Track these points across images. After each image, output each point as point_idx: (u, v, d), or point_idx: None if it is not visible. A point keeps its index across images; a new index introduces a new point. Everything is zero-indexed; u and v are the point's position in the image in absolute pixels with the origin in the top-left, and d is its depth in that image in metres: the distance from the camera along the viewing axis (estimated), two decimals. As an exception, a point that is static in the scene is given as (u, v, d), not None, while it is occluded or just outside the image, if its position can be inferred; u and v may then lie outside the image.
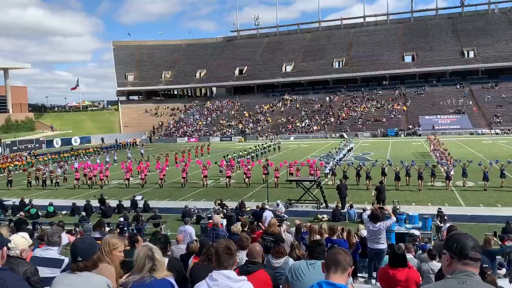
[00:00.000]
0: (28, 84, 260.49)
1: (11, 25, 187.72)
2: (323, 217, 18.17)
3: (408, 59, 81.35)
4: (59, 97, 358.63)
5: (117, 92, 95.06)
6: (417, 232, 13.87)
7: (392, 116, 66.84)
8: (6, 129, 69.49)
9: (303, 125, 69.13)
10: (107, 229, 11.20)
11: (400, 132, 61.39)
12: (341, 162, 31.43)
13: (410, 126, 62.97)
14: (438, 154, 32.11)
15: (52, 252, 4.18)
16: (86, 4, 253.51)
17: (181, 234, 10.03)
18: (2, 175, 37.12)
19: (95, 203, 21.79)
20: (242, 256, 5.15)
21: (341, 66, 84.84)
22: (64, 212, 21.84)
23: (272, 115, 74.91)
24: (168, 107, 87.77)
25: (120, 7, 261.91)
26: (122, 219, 16.99)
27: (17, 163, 43.51)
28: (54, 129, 75.06)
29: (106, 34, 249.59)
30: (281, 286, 4.51)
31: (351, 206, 18.45)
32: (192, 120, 79.42)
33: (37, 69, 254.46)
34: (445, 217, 14.84)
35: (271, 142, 50.99)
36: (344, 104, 73.90)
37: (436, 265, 7.04)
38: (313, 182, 21.58)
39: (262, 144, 44.55)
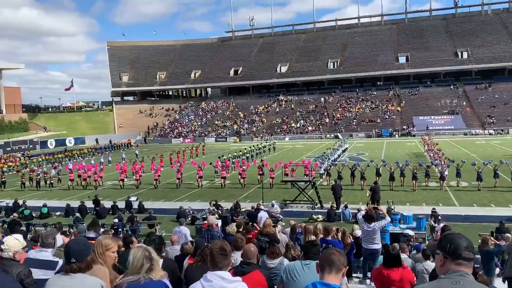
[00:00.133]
0: (21, 84, 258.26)
1: (5, 25, 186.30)
2: (318, 218, 18.22)
3: (402, 60, 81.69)
4: (53, 97, 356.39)
5: (112, 93, 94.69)
6: (411, 232, 13.93)
7: (387, 116, 67.10)
8: (0, 130, 69.03)
9: (298, 125, 69.21)
10: (101, 230, 11.14)
11: (394, 133, 61.62)
12: (335, 162, 31.51)
13: (405, 127, 63.23)
14: (432, 155, 32.26)
15: (46, 254, 4.15)
16: (80, 4, 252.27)
17: (176, 235, 10.01)
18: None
19: (89, 204, 21.71)
20: (237, 257, 5.14)
21: (335, 67, 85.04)
22: (58, 213, 21.73)
23: (267, 116, 74.95)
24: (163, 108, 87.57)
25: (114, 7, 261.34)
26: (116, 220, 16.92)
27: (10, 164, 43.22)
28: (47, 129, 74.65)
29: (100, 34, 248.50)
30: (276, 287, 4.51)
31: (345, 207, 18.50)
32: (187, 120, 79.29)
33: (31, 70, 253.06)
34: (439, 217, 14.92)
35: (266, 142, 51.02)
36: (338, 104, 74.07)
37: (430, 265, 7.08)
38: (308, 183, 21.63)
39: (257, 145, 44.57)
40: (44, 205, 21.71)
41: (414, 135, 59.05)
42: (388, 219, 10.33)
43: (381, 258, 8.01)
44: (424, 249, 8.19)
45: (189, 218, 18.32)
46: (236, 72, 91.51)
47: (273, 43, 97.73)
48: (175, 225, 14.83)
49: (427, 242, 13.12)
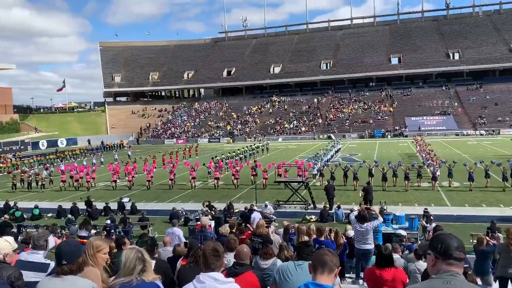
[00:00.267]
0: (13, 85, 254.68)
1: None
2: (311, 218, 18.25)
3: (394, 61, 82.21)
4: (45, 98, 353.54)
5: (104, 93, 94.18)
6: (403, 232, 14.01)
7: (379, 117, 67.43)
8: (-9, 130, 68.42)
9: (291, 126, 69.33)
10: (93, 231, 11.09)
11: (387, 133, 61.95)
12: (328, 163, 31.58)
13: (397, 127, 63.58)
14: (424, 155, 32.44)
15: (38, 256, 4.11)
16: (72, 5, 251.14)
17: (169, 236, 9.98)
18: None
19: (81, 205, 21.56)
20: (230, 258, 5.14)
21: (328, 67, 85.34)
22: (50, 214, 21.54)
23: (260, 117, 74.98)
24: (155, 109, 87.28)
25: (107, 7, 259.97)
26: (109, 221, 16.82)
27: (1, 165, 42.76)
28: (38, 130, 74.07)
29: (92, 34, 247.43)
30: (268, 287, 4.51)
31: (338, 207, 18.55)
32: (180, 121, 79.09)
33: (23, 70, 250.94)
34: (431, 217, 15.02)
35: (260, 143, 51.02)
36: (331, 105, 74.32)
37: (422, 265, 7.11)
38: (301, 183, 21.67)
39: (251, 146, 44.55)
40: (36, 207, 21.52)
41: (406, 136, 59.40)
42: (381, 219, 10.37)
43: (373, 258, 8.04)
44: (416, 249, 8.24)
45: (182, 219, 18.27)
46: (229, 72, 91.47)
47: (266, 44, 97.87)
48: (168, 226, 14.79)
49: (419, 242, 13.20)
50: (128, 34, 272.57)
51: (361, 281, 8.98)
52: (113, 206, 21.46)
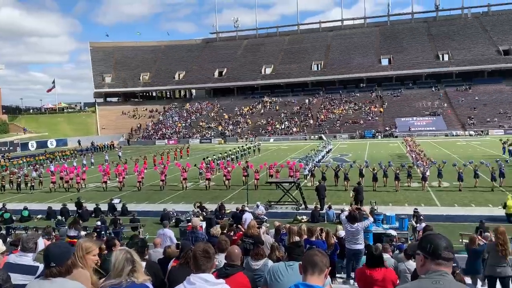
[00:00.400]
0: (2, 85, 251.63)
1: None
2: (303, 218, 18.29)
3: (384, 62, 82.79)
4: (35, 98, 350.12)
5: (95, 94, 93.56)
6: (394, 232, 14.09)
7: (369, 118, 67.81)
8: (-21, 131, 67.62)
9: (283, 127, 69.43)
10: (82, 232, 10.99)
11: (377, 134, 62.29)
12: (319, 163, 31.67)
13: (387, 128, 63.99)
14: (414, 156, 32.68)
15: (27, 259, 4.07)
16: (62, 5, 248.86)
17: (160, 237, 9.94)
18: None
19: (71, 206, 21.38)
20: (221, 259, 5.13)
21: (319, 68, 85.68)
22: (39, 216, 21.33)
23: (251, 117, 74.99)
24: (146, 109, 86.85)
25: (97, 8, 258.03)
26: (99, 222, 16.70)
27: (-10, 166, 42.29)
28: (27, 131, 73.31)
29: (83, 35, 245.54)
30: (259, 288, 4.52)
31: (329, 207, 18.61)
32: (171, 122, 78.81)
33: (12, 70, 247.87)
34: (421, 217, 15.12)
35: (251, 144, 51.00)
36: (322, 106, 74.59)
37: (412, 264, 7.16)
38: (293, 184, 21.71)
39: (242, 146, 44.52)
40: (25, 208, 21.29)
41: (396, 136, 59.78)
42: (371, 219, 10.43)
43: (364, 258, 8.07)
44: (406, 249, 8.29)
45: (173, 220, 18.21)
46: (220, 73, 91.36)
47: (258, 44, 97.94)
48: (159, 227, 14.72)
49: (409, 242, 13.29)
50: (118, 34, 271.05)
51: (352, 281, 9.01)
52: (104, 207, 21.32)
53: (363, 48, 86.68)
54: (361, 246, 9.34)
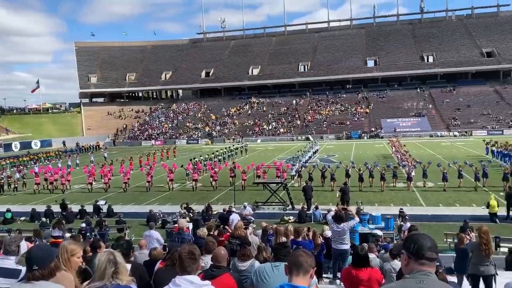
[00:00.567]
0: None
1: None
2: (289, 219, 18.33)
3: (370, 63, 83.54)
4: (18, 99, 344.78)
5: (80, 94, 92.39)
6: (379, 232, 14.22)
7: (356, 119, 68.33)
8: (-40, 132, 66.23)
9: (270, 127, 69.52)
10: (67, 234, 10.84)
11: (363, 135, 62.78)
12: (306, 164, 31.79)
13: (373, 129, 64.52)
14: (399, 156, 33.01)
15: (9, 262, 3.99)
16: (47, 4, 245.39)
17: (145, 239, 9.86)
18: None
19: (56, 208, 21.10)
20: (207, 260, 5.11)
21: (306, 69, 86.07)
22: (22, 218, 21.01)
23: (239, 118, 74.93)
24: (132, 110, 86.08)
25: (83, 7, 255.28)
26: (84, 224, 16.51)
27: (-29, 168, 41.46)
28: (10, 132, 72.10)
29: (68, 34, 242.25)
30: (246, 289, 4.51)
31: (316, 208, 18.69)
32: (157, 122, 78.30)
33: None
34: (407, 217, 15.29)
35: (238, 144, 50.95)
36: (309, 107, 74.92)
37: (397, 264, 7.22)
38: (280, 184, 21.76)
39: (229, 147, 44.46)
40: (8, 210, 20.94)
41: (382, 137, 60.27)
42: (357, 219, 10.50)
43: (350, 258, 8.12)
44: (391, 249, 8.36)
45: (160, 222, 18.08)
46: (207, 74, 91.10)
47: (245, 45, 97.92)
48: (145, 229, 14.61)
49: (395, 241, 13.42)
50: (104, 34, 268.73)
51: (338, 281, 9.05)
52: (89, 209, 21.09)
53: (349, 49, 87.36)
54: (347, 246, 9.39)
